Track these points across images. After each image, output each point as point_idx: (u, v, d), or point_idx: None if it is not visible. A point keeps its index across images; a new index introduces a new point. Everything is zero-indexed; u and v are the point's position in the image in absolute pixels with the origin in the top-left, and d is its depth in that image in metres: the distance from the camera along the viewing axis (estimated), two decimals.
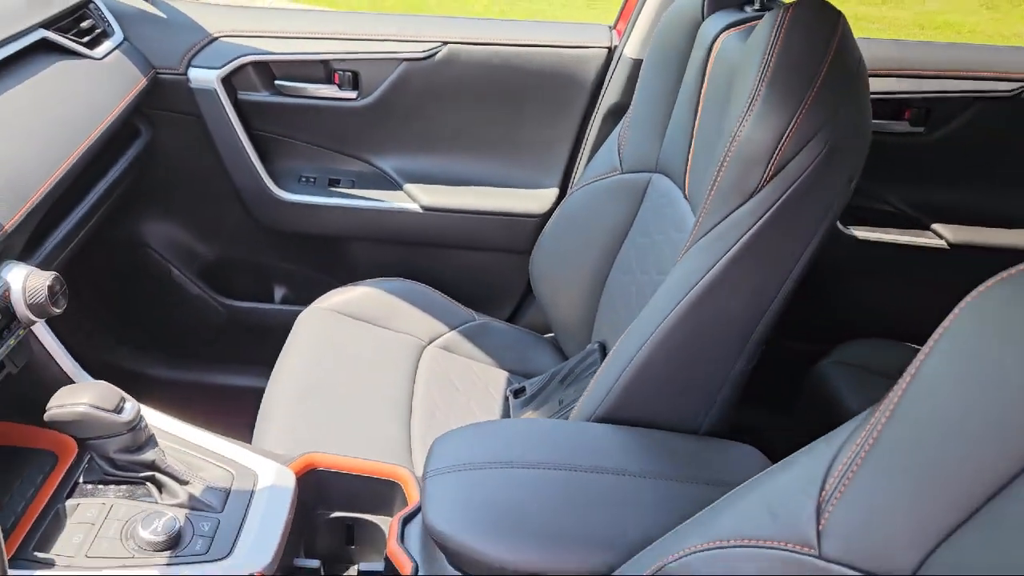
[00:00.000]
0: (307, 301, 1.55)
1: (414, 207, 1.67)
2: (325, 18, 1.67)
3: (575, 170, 1.68)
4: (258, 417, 1.27)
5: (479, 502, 0.91)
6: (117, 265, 1.75)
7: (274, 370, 1.39)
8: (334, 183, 1.71)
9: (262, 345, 1.59)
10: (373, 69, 1.61)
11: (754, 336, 0.99)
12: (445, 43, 1.59)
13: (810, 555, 0.62)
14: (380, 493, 1.11)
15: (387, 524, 1.12)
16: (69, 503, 0.98)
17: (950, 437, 0.54)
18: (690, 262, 1.00)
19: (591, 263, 1.42)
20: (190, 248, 1.80)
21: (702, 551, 0.70)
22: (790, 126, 0.89)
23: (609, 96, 1.60)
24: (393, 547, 1.00)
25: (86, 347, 1.33)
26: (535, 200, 1.68)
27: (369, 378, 1.38)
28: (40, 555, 0.91)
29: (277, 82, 1.63)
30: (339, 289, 1.57)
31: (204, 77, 1.58)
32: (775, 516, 0.67)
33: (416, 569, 0.97)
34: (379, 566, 1.05)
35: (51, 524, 0.95)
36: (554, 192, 1.69)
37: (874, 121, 1.23)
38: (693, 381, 1.05)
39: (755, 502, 0.70)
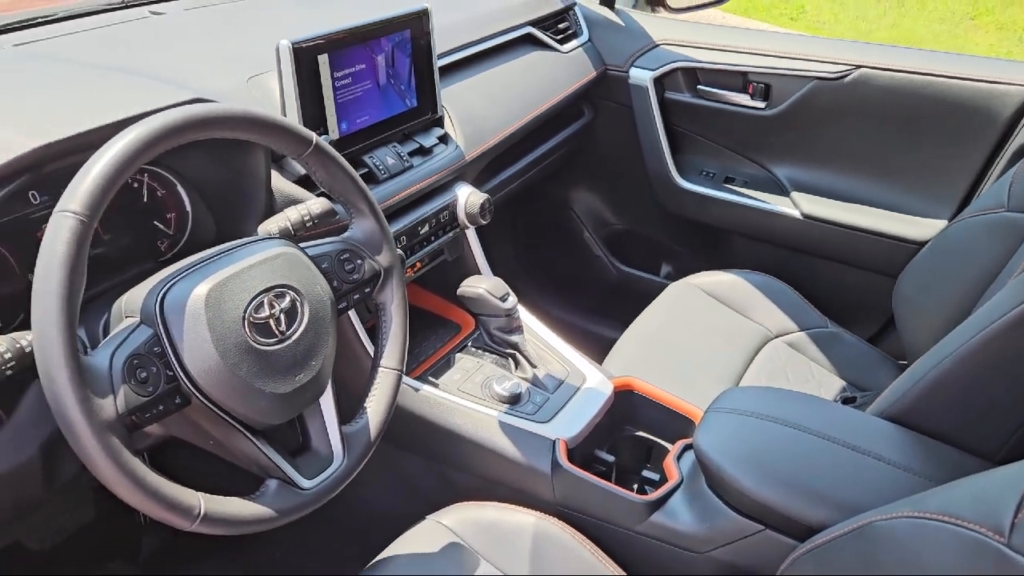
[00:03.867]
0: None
1: (795, 213, 1.81)
2: (748, 35, 1.88)
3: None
4: (612, 350, 1.56)
5: (742, 439, 1.08)
6: (544, 216, 2.18)
7: (634, 321, 1.66)
8: (729, 180, 1.92)
9: (636, 309, 1.87)
10: (785, 83, 1.78)
11: None
12: (858, 67, 1.69)
13: (999, 542, 0.69)
14: (678, 426, 1.32)
15: (677, 464, 1.32)
16: (457, 356, 1.37)
17: None
18: (1017, 288, 1.02)
19: (957, 296, 1.42)
20: (602, 217, 2.17)
21: (907, 518, 0.79)
22: None
23: (1023, 135, 1.55)
24: (669, 462, 1.21)
25: (498, 263, 1.73)
26: (916, 226, 1.69)
27: (708, 348, 1.57)
28: (432, 379, 1.31)
29: (699, 87, 1.89)
30: (709, 272, 1.78)
31: (641, 76, 1.91)
32: (978, 502, 0.74)
33: (680, 482, 1.16)
34: (656, 476, 1.26)
35: (443, 365, 1.36)
36: (942, 223, 1.68)
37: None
38: (996, 405, 1.05)
39: (966, 489, 0.77)
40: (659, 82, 1.91)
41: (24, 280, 0.98)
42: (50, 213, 0.74)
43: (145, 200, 1.10)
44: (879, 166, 1.75)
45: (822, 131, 1.78)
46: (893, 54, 1.69)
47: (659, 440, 1.35)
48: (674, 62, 1.88)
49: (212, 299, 0.82)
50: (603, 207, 2.16)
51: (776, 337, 1.64)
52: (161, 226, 1.13)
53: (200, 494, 0.79)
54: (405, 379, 1.25)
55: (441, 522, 1.14)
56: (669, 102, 1.92)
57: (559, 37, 1.85)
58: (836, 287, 1.82)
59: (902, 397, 1.11)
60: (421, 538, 1.13)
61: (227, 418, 0.84)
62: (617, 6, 2.01)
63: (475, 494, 1.21)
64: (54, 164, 0.89)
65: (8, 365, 0.77)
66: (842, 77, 1.71)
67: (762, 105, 1.83)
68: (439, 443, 1.26)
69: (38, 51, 1.24)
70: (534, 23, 1.79)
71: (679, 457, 1.21)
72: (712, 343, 1.58)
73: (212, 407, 0.82)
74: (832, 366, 1.60)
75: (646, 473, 1.27)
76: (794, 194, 1.83)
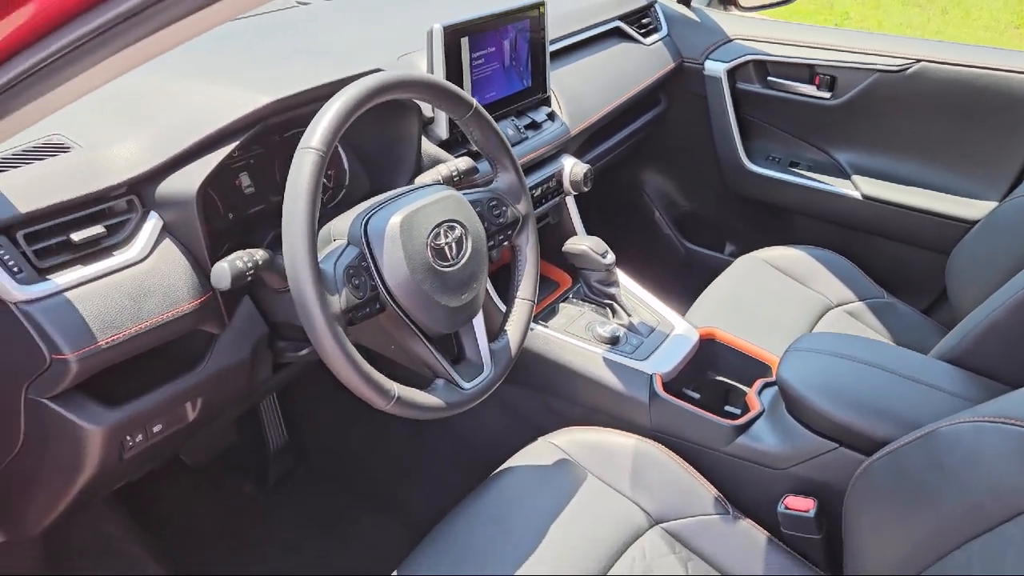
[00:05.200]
0: None
1: (855, 194, 1.98)
2: (816, 31, 2.05)
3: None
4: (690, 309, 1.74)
5: (819, 371, 1.26)
6: (618, 196, 2.38)
7: (708, 286, 1.83)
8: (794, 164, 2.10)
9: (702, 283, 2.04)
10: (849, 76, 1.95)
11: None
12: (918, 60, 1.86)
13: None
14: (755, 371, 1.50)
15: (759, 397, 1.50)
16: (561, 305, 1.57)
17: None
18: None
19: (1006, 269, 1.57)
20: (672, 199, 2.35)
21: (968, 423, 0.95)
22: None
23: None
24: (751, 395, 1.39)
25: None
26: (969, 207, 1.86)
27: (776, 312, 1.74)
28: (541, 322, 1.50)
29: (769, 78, 2.07)
30: (773, 247, 1.95)
31: (715, 68, 2.09)
32: None
33: (762, 411, 1.34)
34: (737, 411, 1.44)
35: (549, 313, 1.55)
36: (993, 204, 1.84)
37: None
38: None
39: (1018, 398, 0.93)
40: (731, 73, 2.09)
41: (226, 219, 1.19)
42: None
43: None
44: (935, 151, 1.91)
45: (882, 119, 1.95)
46: (950, 49, 1.86)
47: (737, 384, 1.53)
48: (746, 55, 2.06)
49: (404, 226, 1.02)
50: (673, 189, 2.35)
51: (837, 306, 1.81)
52: (324, 182, 1.34)
53: (395, 383, 1.00)
54: None
55: (552, 442, 1.33)
56: (740, 92, 2.10)
57: (642, 31, 2.04)
58: (892, 262, 1.99)
59: (959, 342, 1.28)
60: (535, 455, 1.32)
61: (411, 324, 1.04)
62: (693, 4, 2.20)
63: (578, 422, 1.40)
64: (275, 118, 1.10)
65: (250, 272, 0.98)
66: (903, 70, 1.88)
67: (827, 95, 2.00)
68: (549, 376, 1.46)
69: (214, 33, 1.46)
70: (622, 18, 1.98)
71: (759, 393, 1.39)
72: (778, 308, 1.75)
73: (401, 314, 1.03)
74: (890, 334, 1.76)
75: (728, 409, 1.45)
76: (855, 177, 2.00)
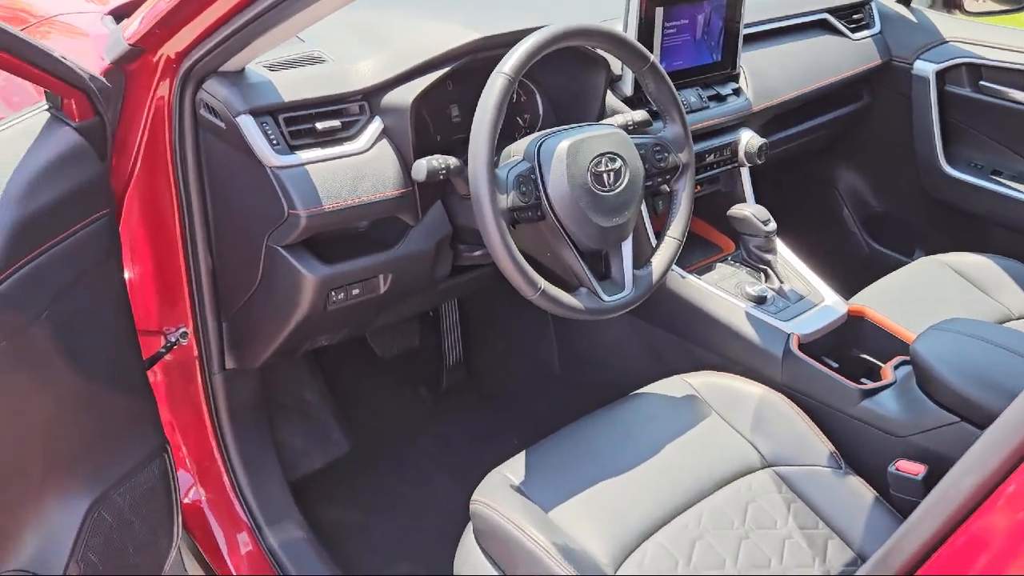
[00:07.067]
0: None
1: None
2: None
3: None
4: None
5: (953, 349, 1.30)
6: (807, 189, 2.41)
7: (878, 280, 1.84)
8: (997, 173, 2.04)
9: None
10: None
11: None
12: None
13: None
14: (900, 353, 1.53)
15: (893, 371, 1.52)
16: (718, 265, 1.68)
17: None
18: None
19: None
20: (863, 197, 2.36)
21: None
22: None
23: None
24: (887, 368, 1.44)
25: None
26: None
27: (942, 313, 1.70)
28: (693, 274, 1.63)
29: (982, 83, 2.03)
30: (959, 252, 1.92)
31: (925, 68, 2.09)
32: None
33: (892, 382, 1.39)
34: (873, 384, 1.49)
35: (705, 269, 1.67)
36: None
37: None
38: None
39: None
40: (941, 75, 2.07)
41: (434, 140, 1.44)
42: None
43: (513, 100, 1.53)
44: None
45: None
46: None
47: (880, 363, 1.57)
48: (959, 58, 2.03)
49: (571, 150, 1.21)
50: (866, 188, 2.35)
51: (1018, 319, 1.76)
52: (519, 121, 1.56)
53: (544, 280, 1.19)
54: (674, 266, 1.58)
55: (686, 380, 1.46)
56: (948, 95, 2.08)
57: (852, 26, 2.08)
58: None
59: None
60: (667, 387, 1.45)
61: (565, 235, 1.23)
62: (913, 4, 2.19)
63: (713, 368, 1.52)
64: (483, 53, 1.33)
65: (442, 171, 1.21)
66: None
67: None
68: (691, 322, 1.59)
69: None
70: (831, 10, 2.04)
71: (895, 368, 1.44)
72: (948, 311, 1.73)
73: (558, 223, 1.22)
74: None
75: (863, 381, 1.50)
76: None
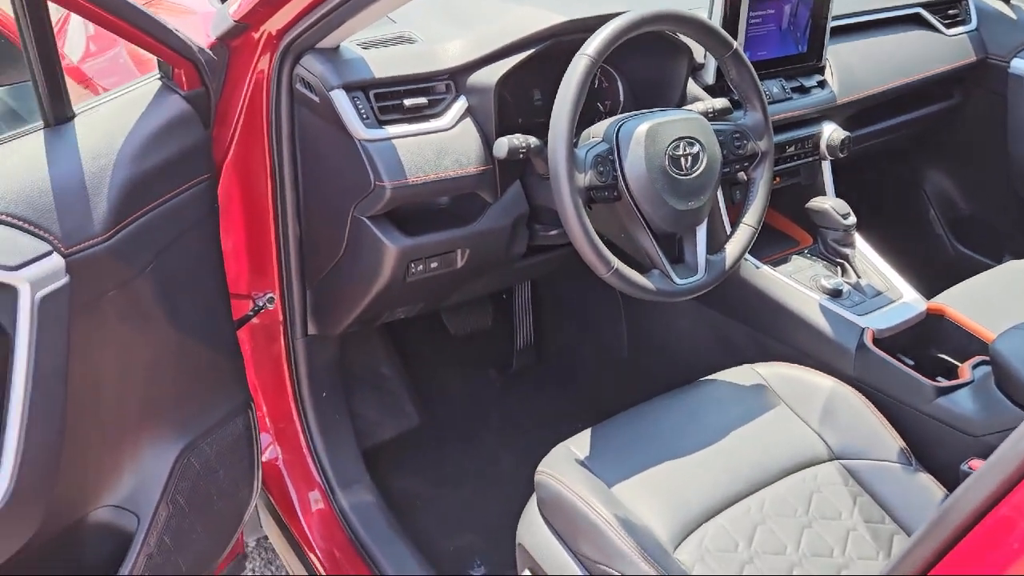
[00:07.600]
0: None
1: None
2: None
3: None
4: None
5: None
6: (885, 188, 2.36)
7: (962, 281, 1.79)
8: None
9: None
10: None
11: None
12: None
13: None
14: (980, 353, 1.50)
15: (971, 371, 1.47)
16: (794, 257, 1.67)
17: None
18: None
19: None
20: (952, 199, 2.30)
21: None
22: None
23: None
24: (964, 368, 1.41)
25: None
26: None
27: (1019, 312, 1.64)
28: (769, 266, 1.62)
29: None
30: None
31: (1023, 67, 2.02)
32: None
33: (970, 381, 1.37)
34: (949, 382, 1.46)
35: (780, 261, 1.66)
36: None
37: None
38: None
39: None
40: None
41: (515, 121, 1.48)
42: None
43: (595, 86, 1.55)
44: None
45: None
46: None
47: (960, 364, 1.53)
48: None
49: (650, 134, 1.23)
50: (954, 189, 2.28)
51: None
52: (600, 107, 1.58)
53: (616, 258, 1.21)
54: (748, 257, 1.58)
55: (756, 369, 1.46)
56: None
57: (946, 22, 2.03)
58: None
59: None
60: (737, 376, 1.46)
61: (640, 216, 1.25)
62: (1014, 1, 2.12)
63: (783, 360, 1.51)
64: (566, 37, 1.36)
65: (522, 150, 1.25)
66: None
67: None
68: (763, 313, 1.58)
69: None
70: (924, 5, 1.99)
71: (974, 368, 1.41)
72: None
73: (633, 204, 1.24)
74: None
75: (939, 379, 1.48)
76: None
